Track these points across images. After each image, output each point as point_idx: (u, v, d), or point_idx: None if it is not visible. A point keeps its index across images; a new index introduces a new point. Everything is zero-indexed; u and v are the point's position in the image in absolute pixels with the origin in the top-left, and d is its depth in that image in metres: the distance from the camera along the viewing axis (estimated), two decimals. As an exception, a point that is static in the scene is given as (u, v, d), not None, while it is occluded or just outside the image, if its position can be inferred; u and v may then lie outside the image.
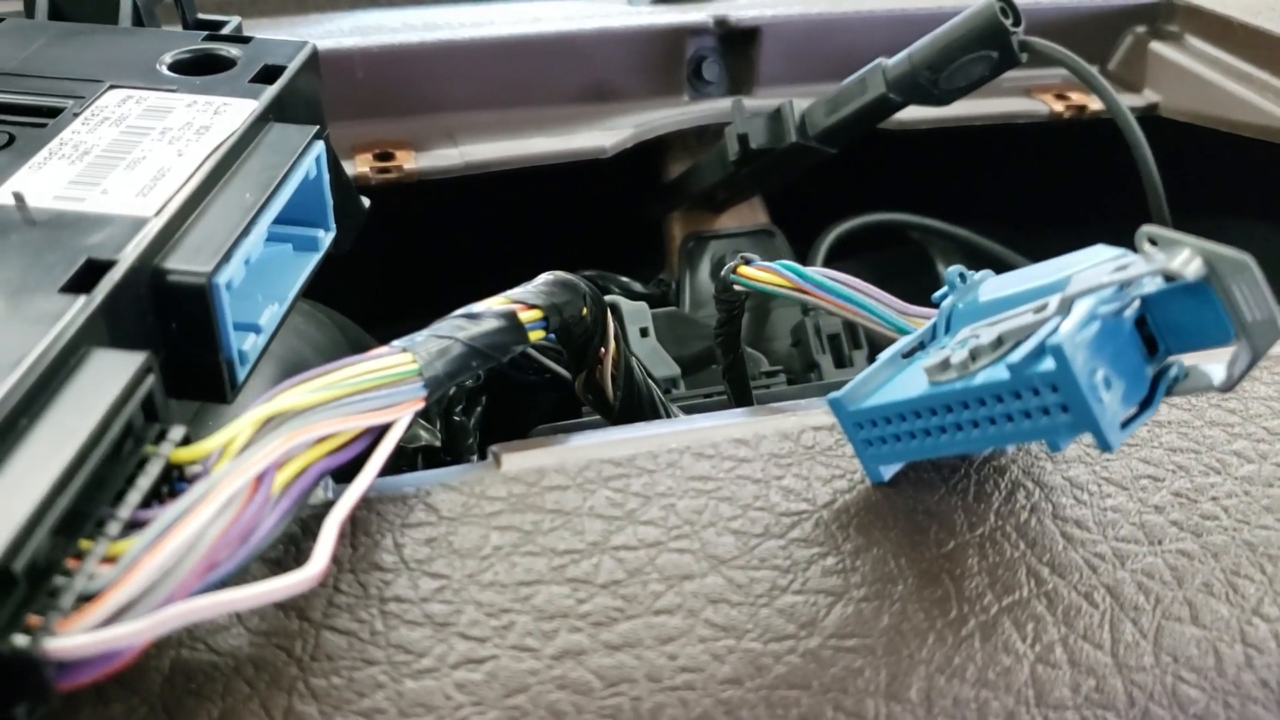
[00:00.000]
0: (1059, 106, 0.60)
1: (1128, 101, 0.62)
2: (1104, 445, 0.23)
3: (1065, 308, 0.24)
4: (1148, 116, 0.62)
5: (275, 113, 0.32)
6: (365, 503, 0.27)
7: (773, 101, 0.56)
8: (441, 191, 0.56)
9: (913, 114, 0.58)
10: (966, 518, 0.27)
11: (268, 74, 0.33)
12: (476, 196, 0.65)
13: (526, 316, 0.31)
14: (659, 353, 0.52)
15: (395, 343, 0.28)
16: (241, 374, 0.28)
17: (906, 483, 0.28)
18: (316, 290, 0.55)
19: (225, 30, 0.38)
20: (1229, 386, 0.24)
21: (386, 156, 0.53)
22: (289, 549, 0.26)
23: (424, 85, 0.56)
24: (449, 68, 0.56)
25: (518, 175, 0.55)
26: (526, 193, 0.64)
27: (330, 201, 0.33)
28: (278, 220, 0.31)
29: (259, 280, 0.30)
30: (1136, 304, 0.24)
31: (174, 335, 0.27)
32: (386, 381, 0.27)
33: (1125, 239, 0.51)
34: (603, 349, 0.38)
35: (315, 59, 0.35)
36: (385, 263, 0.68)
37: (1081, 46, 0.64)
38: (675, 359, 0.52)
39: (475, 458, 0.47)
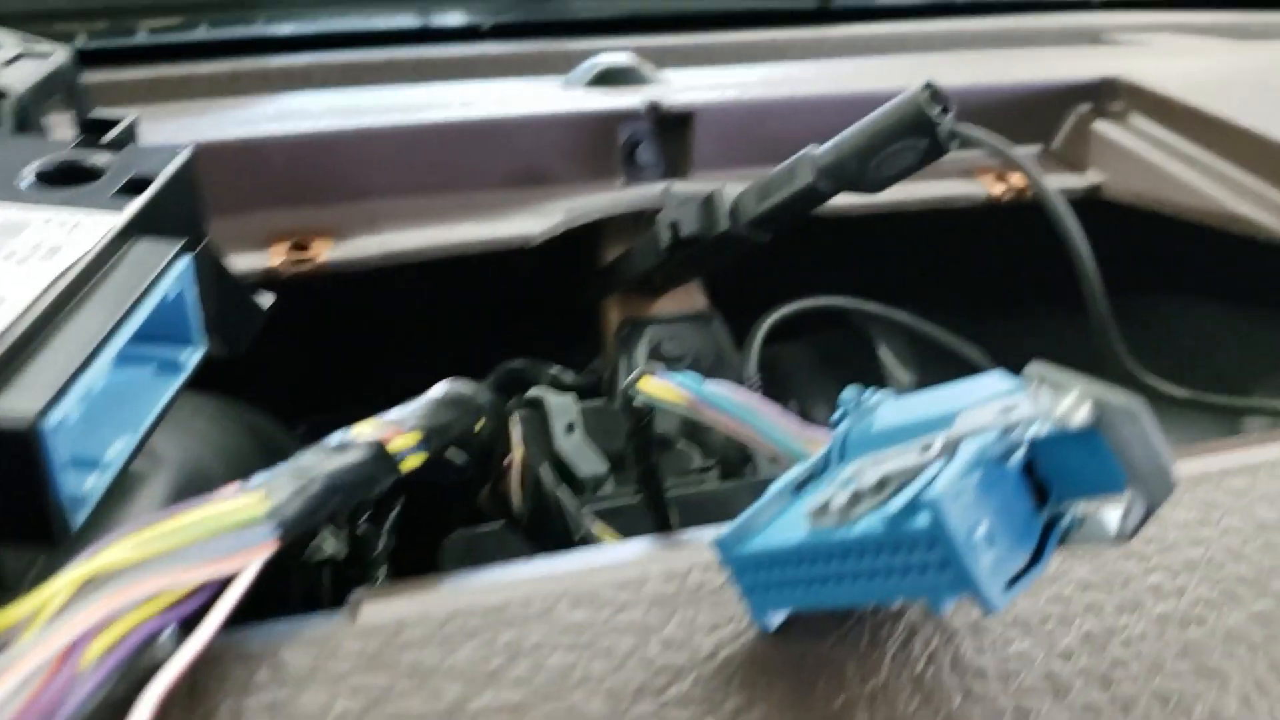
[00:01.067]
0: (998, 190, 0.59)
1: (1071, 182, 0.61)
2: (986, 608, 0.21)
3: (949, 450, 0.22)
4: (1091, 199, 0.60)
5: (141, 226, 0.30)
6: (208, 661, 0.25)
7: (708, 185, 0.54)
8: (374, 275, 0.54)
9: (849, 199, 0.56)
10: (858, 669, 0.25)
11: (136, 185, 0.31)
12: (411, 280, 0.63)
13: (399, 444, 0.29)
14: (585, 449, 0.50)
15: (254, 478, 0.27)
16: (79, 517, 0.26)
17: (797, 628, 0.26)
18: (243, 378, 0.53)
19: (119, 128, 0.37)
20: (1125, 538, 0.22)
21: (302, 247, 0.51)
22: (117, 712, 0.24)
23: (345, 172, 0.54)
24: (371, 155, 0.54)
25: (450, 261, 0.53)
26: (462, 275, 0.63)
27: (197, 319, 0.31)
28: (139, 339, 0.29)
29: (111, 408, 0.28)
30: (1024, 449, 0.22)
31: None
32: (231, 527, 0.25)
33: (1072, 320, 0.49)
34: (507, 457, 0.37)
35: (192, 165, 0.33)
36: (318, 347, 0.66)
37: (1025, 125, 0.64)
38: (606, 453, 0.50)
39: (384, 569, 0.45)
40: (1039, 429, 0.22)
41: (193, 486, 0.40)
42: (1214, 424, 0.57)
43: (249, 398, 0.53)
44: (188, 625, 0.24)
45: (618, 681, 0.25)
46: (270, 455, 0.47)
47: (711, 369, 0.59)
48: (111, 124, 0.37)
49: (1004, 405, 0.23)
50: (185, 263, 0.30)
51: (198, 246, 0.33)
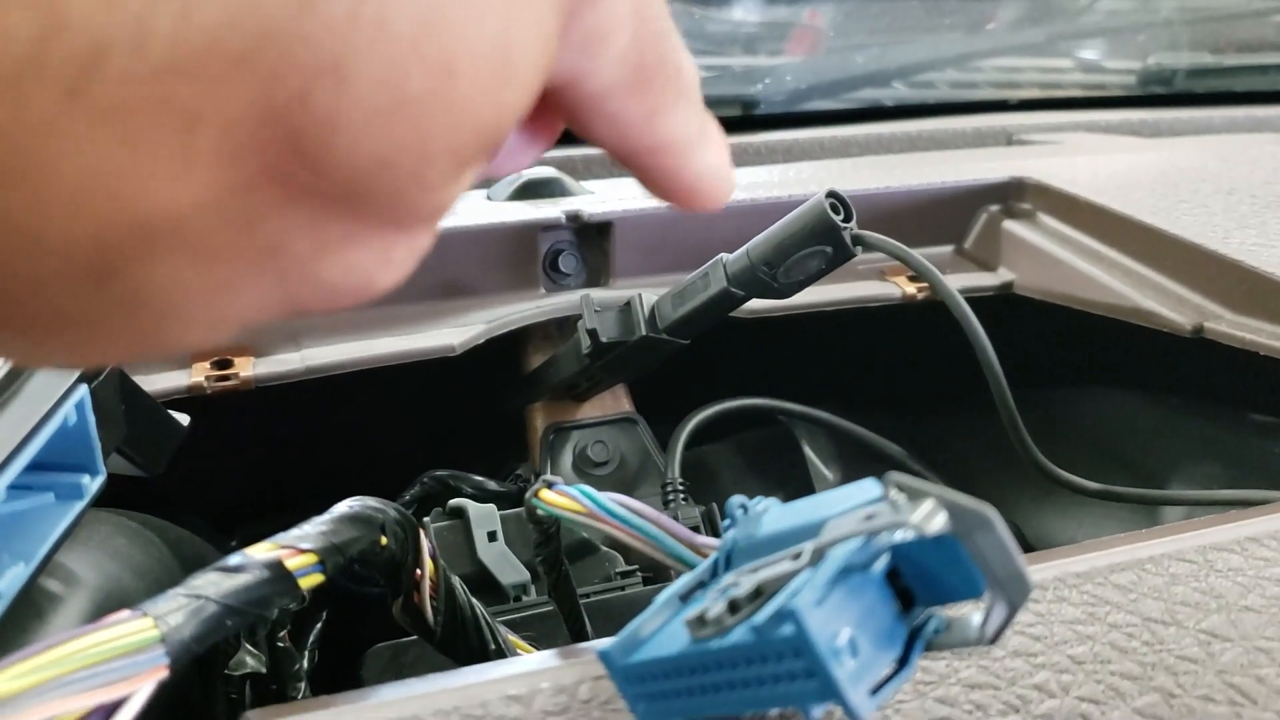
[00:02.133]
0: (911, 289, 0.60)
1: (983, 281, 0.63)
2: (851, 714, 0.22)
3: (817, 558, 0.23)
4: (1003, 295, 0.62)
5: (41, 354, 0.31)
6: (91, 792, 0.25)
7: (628, 292, 0.56)
8: (301, 387, 0.54)
9: (766, 302, 0.58)
10: (744, 777, 0.25)
11: (37, 314, 0.32)
12: (339, 390, 0.64)
13: (296, 563, 0.29)
14: (507, 557, 0.50)
15: (144, 604, 0.27)
16: (-31, 649, 0.26)
17: (686, 738, 0.26)
18: (175, 492, 0.53)
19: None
20: (990, 640, 0.23)
21: (225, 364, 0.51)
22: None
23: (267, 289, 0.55)
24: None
25: (374, 373, 0.54)
26: (388, 384, 0.63)
27: (98, 446, 0.31)
28: (40, 467, 0.29)
29: (8, 535, 0.29)
30: (886, 556, 0.23)
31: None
32: (120, 652, 0.25)
33: (992, 415, 0.50)
34: (419, 571, 0.37)
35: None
36: (248, 459, 0.66)
37: (938, 226, 0.65)
38: (527, 563, 0.51)
39: (304, 685, 0.45)
40: (899, 536, 0.23)
41: (111, 607, 0.39)
42: (1130, 515, 0.58)
43: (180, 512, 0.53)
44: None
45: (504, 798, 0.25)
46: (194, 571, 0.47)
47: (637, 472, 0.60)
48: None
49: (867, 513, 0.23)
50: (82, 392, 0.30)
51: (101, 373, 0.33)
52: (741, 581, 0.25)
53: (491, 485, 0.58)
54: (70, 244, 0.15)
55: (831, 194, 0.47)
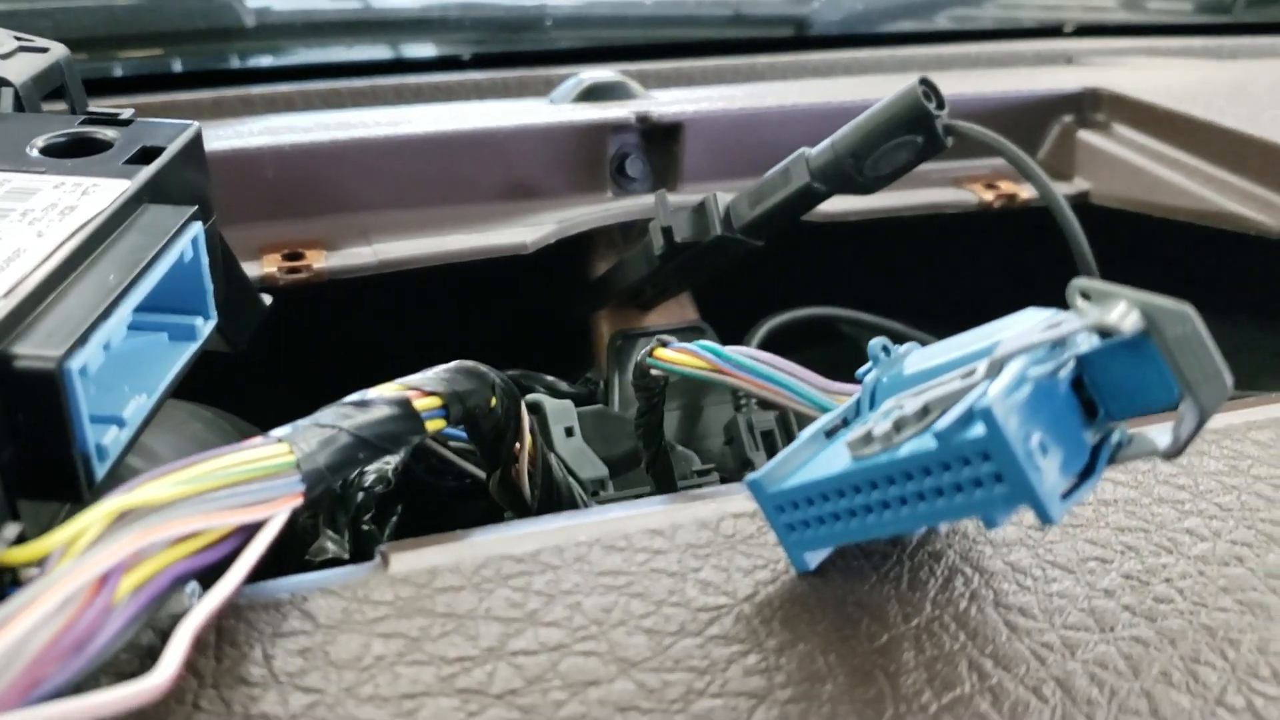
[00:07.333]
0: (989, 196, 0.59)
1: (1060, 190, 0.61)
2: (1044, 517, 0.21)
3: (995, 370, 0.22)
4: (1079, 204, 0.61)
5: (152, 194, 0.30)
6: (234, 610, 0.24)
7: (697, 196, 0.54)
8: (365, 290, 0.53)
9: (840, 205, 0.57)
10: (901, 608, 0.25)
11: (145, 155, 0.31)
12: (401, 295, 0.63)
13: (423, 404, 0.29)
14: (585, 453, 0.49)
15: (274, 431, 0.26)
16: (101, 470, 0.25)
17: (835, 571, 0.26)
18: (232, 393, 0.52)
19: (121, 117, 0.36)
20: (1176, 451, 0.22)
21: (296, 256, 0.51)
22: (145, 662, 0.23)
23: (337, 184, 0.54)
24: (362, 166, 0.54)
25: (442, 274, 0.53)
26: (452, 292, 0.62)
27: (209, 288, 0.30)
28: (153, 308, 0.28)
29: (126, 370, 0.28)
30: (1072, 364, 0.22)
31: (23, 427, 0.24)
32: (260, 474, 0.24)
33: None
34: (517, 445, 0.36)
35: (199, 141, 0.33)
36: (306, 362, 0.65)
37: (1010, 137, 0.64)
38: (603, 459, 0.50)
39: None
40: (1087, 343, 0.22)
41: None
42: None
43: (239, 413, 0.52)
44: (207, 584, 0.24)
45: (658, 620, 0.24)
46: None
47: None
48: (110, 116, 0.37)
49: (1049, 324, 0.22)
50: (198, 228, 0.30)
51: (207, 221, 0.33)
52: (905, 404, 0.24)
53: (563, 386, 0.57)
54: None
55: (924, 80, 0.46)
